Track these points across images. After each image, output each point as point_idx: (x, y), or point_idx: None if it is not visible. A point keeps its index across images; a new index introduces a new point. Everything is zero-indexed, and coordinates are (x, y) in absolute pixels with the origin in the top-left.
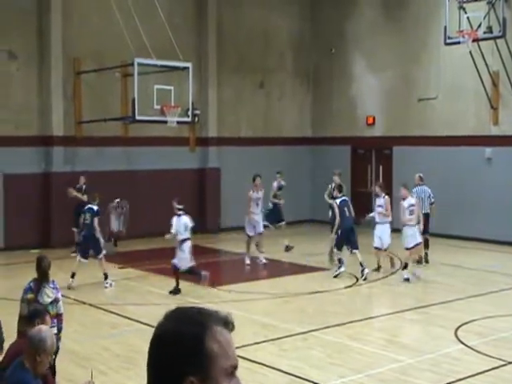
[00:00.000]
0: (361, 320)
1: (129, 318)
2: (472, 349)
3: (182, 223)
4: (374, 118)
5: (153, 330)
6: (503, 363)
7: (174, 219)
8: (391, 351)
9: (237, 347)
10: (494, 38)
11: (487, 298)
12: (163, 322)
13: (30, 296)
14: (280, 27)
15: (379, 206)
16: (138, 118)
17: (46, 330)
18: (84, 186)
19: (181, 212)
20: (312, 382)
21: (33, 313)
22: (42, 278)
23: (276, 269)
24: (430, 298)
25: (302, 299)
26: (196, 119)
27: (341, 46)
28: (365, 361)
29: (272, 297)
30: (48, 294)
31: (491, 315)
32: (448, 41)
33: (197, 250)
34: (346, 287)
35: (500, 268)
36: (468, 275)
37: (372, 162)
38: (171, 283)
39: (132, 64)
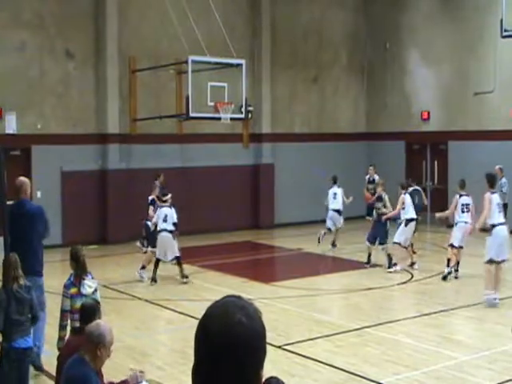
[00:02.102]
0: (415, 317)
1: (184, 314)
2: None
3: (162, 214)
4: (428, 113)
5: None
6: None
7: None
8: (446, 348)
9: (291, 343)
10: None
11: None
12: (238, 319)
13: (73, 290)
14: (334, 22)
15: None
16: (191, 115)
17: (103, 324)
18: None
19: (164, 204)
20: (368, 379)
21: (90, 308)
22: (82, 270)
23: (330, 265)
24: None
25: (356, 295)
26: (249, 115)
27: (396, 39)
28: (420, 358)
29: (326, 293)
30: (89, 285)
31: None
32: (505, 33)
33: (250, 246)
34: (400, 284)
35: None
36: None
37: (427, 157)
38: (227, 279)
39: (186, 62)
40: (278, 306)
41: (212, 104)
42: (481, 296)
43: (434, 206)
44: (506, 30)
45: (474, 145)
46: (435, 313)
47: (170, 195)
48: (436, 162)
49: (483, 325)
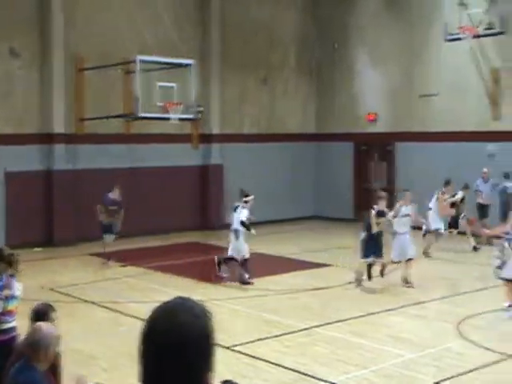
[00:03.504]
0: (363, 316)
1: (131, 316)
2: (474, 343)
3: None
4: (376, 115)
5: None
6: (504, 357)
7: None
8: (394, 346)
9: (241, 344)
10: (495, 35)
11: (490, 292)
12: (184, 319)
13: (6, 292)
14: (283, 23)
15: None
16: (140, 115)
17: (46, 328)
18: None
19: (244, 205)
20: (317, 378)
21: (40, 311)
22: (13, 272)
23: (280, 265)
24: (432, 293)
25: (306, 295)
26: (199, 116)
27: (344, 41)
28: (368, 356)
29: (276, 293)
30: (18, 288)
31: (493, 309)
32: (449, 37)
33: (199, 247)
34: (349, 283)
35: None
36: (469, 270)
37: (375, 158)
38: (175, 280)
39: (134, 61)
40: (227, 306)
41: (161, 104)
42: (428, 295)
43: None
44: (450, 34)
45: (420, 146)
46: (383, 312)
47: (251, 197)
48: (383, 163)
49: (429, 323)
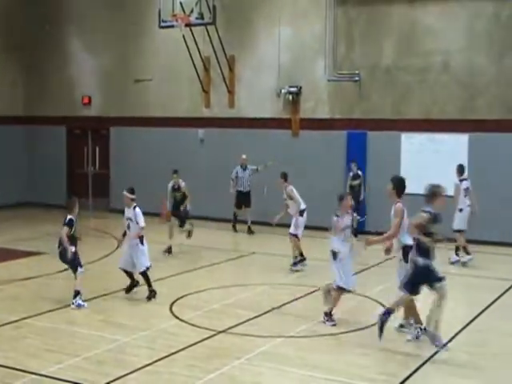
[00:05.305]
0: (68, 305)
1: None
2: (186, 322)
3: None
4: (89, 98)
5: None
6: (214, 333)
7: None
8: (108, 332)
9: None
10: (205, 24)
11: (199, 273)
12: None
13: None
14: None
15: None
16: None
17: None
18: None
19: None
20: (28, 371)
21: None
22: None
23: None
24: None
25: (14, 286)
26: None
27: (58, 22)
28: (82, 344)
29: None
30: None
31: (203, 289)
32: (162, 24)
33: None
34: (62, 271)
35: (214, 244)
36: (181, 252)
37: (88, 142)
38: None
39: None
40: None
41: None
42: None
43: (97, 191)
44: (163, 21)
45: (135, 130)
46: (97, 297)
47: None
48: (97, 148)
49: (143, 305)
